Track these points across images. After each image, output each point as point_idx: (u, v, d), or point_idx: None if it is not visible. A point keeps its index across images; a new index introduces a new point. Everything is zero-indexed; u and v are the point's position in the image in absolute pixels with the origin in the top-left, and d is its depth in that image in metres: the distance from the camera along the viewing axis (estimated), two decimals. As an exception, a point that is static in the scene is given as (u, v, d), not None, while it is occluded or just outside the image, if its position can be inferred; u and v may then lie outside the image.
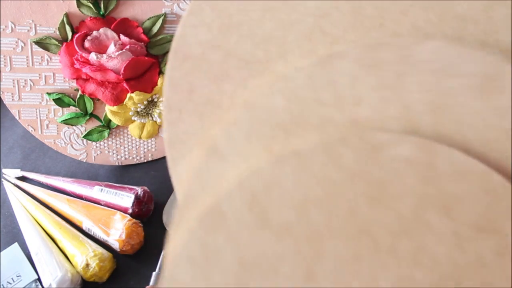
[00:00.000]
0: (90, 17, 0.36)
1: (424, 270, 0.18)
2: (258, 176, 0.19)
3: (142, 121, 0.40)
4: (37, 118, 0.39)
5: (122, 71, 0.36)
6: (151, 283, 0.34)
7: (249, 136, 0.20)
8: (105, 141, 0.41)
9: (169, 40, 0.38)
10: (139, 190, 0.38)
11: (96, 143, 0.41)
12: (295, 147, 0.19)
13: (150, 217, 0.39)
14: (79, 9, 0.36)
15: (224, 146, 0.20)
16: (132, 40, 0.37)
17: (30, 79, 0.38)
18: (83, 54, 0.36)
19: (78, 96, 0.39)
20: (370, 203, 0.18)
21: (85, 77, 0.37)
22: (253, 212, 0.19)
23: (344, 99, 0.20)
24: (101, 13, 0.37)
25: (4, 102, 0.38)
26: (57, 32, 0.37)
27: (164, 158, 0.44)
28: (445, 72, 0.20)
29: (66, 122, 0.40)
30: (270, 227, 0.18)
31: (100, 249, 0.35)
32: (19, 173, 0.43)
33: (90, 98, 0.39)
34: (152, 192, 0.40)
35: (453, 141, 0.19)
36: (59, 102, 0.39)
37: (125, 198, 0.38)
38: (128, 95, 0.38)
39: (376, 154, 0.19)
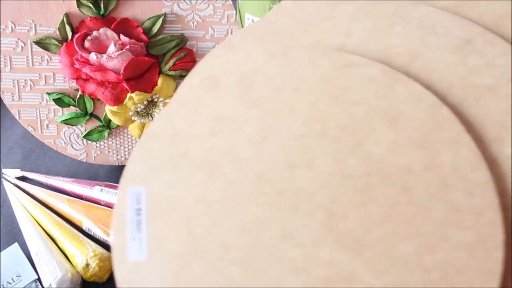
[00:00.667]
0: (90, 17, 0.36)
1: (358, 160, 0.22)
2: (251, 62, 0.24)
3: (142, 121, 0.40)
4: (37, 118, 0.39)
5: (122, 71, 0.36)
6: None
7: (257, 38, 0.25)
8: (105, 141, 0.41)
9: (169, 40, 0.38)
10: (139, 190, 0.38)
11: (96, 143, 0.41)
12: (286, 50, 0.24)
13: (150, 217, 0.39)
14: (79, 9, 0.36)
15: (236, 41, 0.26)
16: (132, 40, 0.37)
17: (30, 79, 0.38)
18: (83, 54, 0.36)
19: (78, 96, 0.39)
20: (329, 101, 0.23)
21: (85, 77, 0.37)
22: (239, 85, 0.24)
23: (338, 30, 0.25)
24: (101, 13, 0.37)
25: (4, 102, 0.38)
26: (57, 32, 0.37)
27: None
28: (431, 30, 0.23)
29: (66, 122, 0.40)
30: (247, 98, 0.24)
31: (100, 249, 0.35)
32: (19, 173, 0.43)
33: (90, 98, 0.39)
34: (152, 192, 0.40)
35: (418, 79, 0.23)
36: (59, 102, 0.39)
37: (125, 198, 0.38)
38: (128, 95, 0.38)
39: (347, 69, 0.23)
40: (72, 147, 0.41)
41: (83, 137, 0.40)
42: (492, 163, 0.21)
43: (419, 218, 0.20)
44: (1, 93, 0.38)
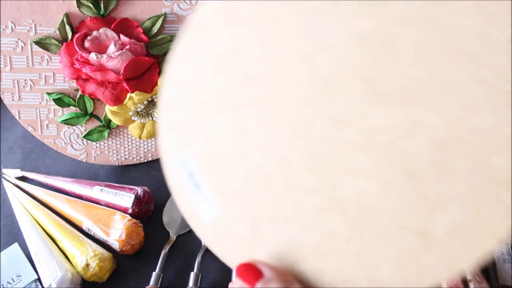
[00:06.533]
0: (90, 17, 0.36)
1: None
2: None
3: (142, 121, 0.40)
4: (37, 118, 0.39)
5: (122, 71, 0.36)
6: (151, 283, 0.34)
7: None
8: (105, 141, 0.41)
9: (169, 40, 0.38)
10: (139, 190, 0.38)
11: (96, 143, 0.41)
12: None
13: (150, 217, 0.39)
14: (79, 9, 0.36)
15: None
16: (132, 40, 0.37)
17: (30, 79, 0.38)
18: (83, 54, 0.36)
19: (78, 96, 0.39)
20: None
21: (85, 77, 0.38)
22: None
23: None
24: (101, 13, 0.37)
25: (4, 102, 0.38)
26: (57, 32, 0.37)
27: (164, 158, 0.44)
28: None
29: (66, 122, 0.40)
30: None
31: (100, 249, 0.35)
32: (19, 173, 0.43)
33: (90, 98, 0.39)
34: (152, 192, 0.40)
35: None
36: (59, 102, 0.39)
37: (125, 198, 0.38)
38: (128, 95, 0.38)
39: None
40: (72, 147, 0.41)
41: (83, 137, 0.40)
42: None
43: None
44: (1, 93, 0.38)
